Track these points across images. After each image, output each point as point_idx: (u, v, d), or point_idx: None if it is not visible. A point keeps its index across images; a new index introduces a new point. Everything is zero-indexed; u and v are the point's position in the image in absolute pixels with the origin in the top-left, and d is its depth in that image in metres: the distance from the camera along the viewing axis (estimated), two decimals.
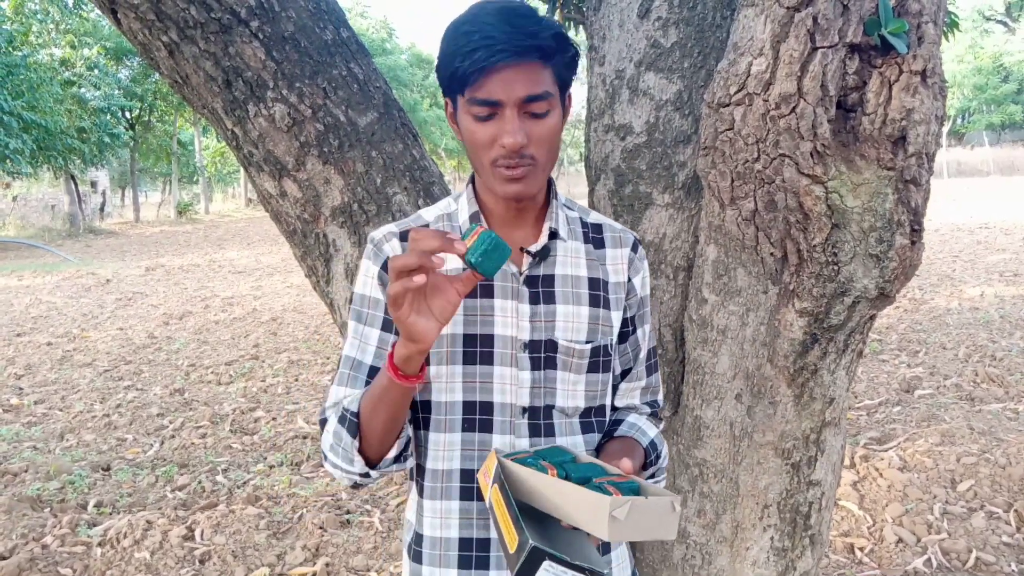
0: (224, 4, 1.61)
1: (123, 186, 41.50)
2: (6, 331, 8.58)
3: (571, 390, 1.19)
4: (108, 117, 24.87)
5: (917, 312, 7.42)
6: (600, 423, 1.24)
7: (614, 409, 1.31)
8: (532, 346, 1.16)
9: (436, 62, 1.12)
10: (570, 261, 1.21)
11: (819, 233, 1.35)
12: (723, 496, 1.70)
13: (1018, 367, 5.36)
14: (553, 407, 1.18)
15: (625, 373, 1.31)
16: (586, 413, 1.22)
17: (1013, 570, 2.94)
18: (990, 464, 3.64)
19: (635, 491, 0.95)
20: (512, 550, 0.90)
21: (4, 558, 3.19)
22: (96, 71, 25.49)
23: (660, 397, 1.37)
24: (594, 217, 1.29)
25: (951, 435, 4.02)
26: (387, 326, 1.18)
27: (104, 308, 10.02)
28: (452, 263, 1.18)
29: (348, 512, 3.68)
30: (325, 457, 1.16)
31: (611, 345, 1.23)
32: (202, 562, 3.21)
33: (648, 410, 1.34)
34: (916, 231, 1.34)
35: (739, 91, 1.34)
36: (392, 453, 1.13)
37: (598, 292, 1.22)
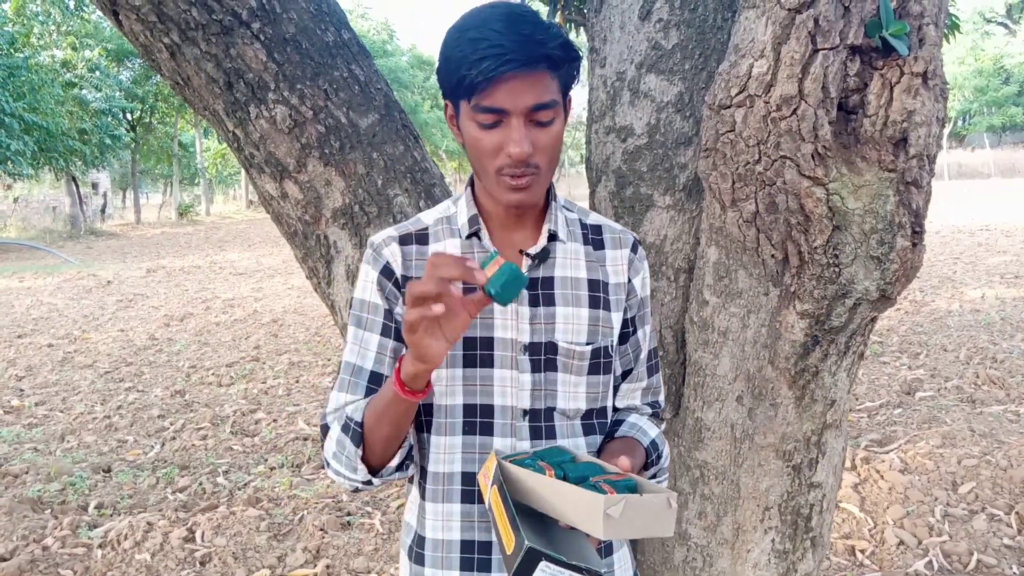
0: (225, 6, 1.61)
1: (124, 188, 41.54)
2: (7, 332, 8.58)
3: (572, 392, 1.19)
4: (109, 119, 24.90)
5: (918, 314, 7.42)
6: (602, 425, 1.24)
7: (615, 410, 1.31)
8: (532, 348, 1.16)
9: (437, 65, 1.11)
10: (570, 263, 1.21)
11: (820, 235, 1.35)
12: (724, 498, 1.70)
13: (1019, 369, 5.35)
14: (554, 409, 1.18)
15: (626, 374, 1.30)
16: (587, 415, 1.21)
17: (1014, 572, 2.93)
18: (991, 466, 3.64)
19: (632, 489, 0.95)
20: (509, 551, 0.90)
21: (5, 559, 3.19)
22: (97, 73, 25.52)
23: (661, 398, 1.37)
24: (593, 218, 1.29)
25: (952, 437, 4.01)
26: (386, 331, 1.18)
27: (105, 310, 10.02)
28: None
29: (349, 514, 3.68)
30: (328, 464, 1.16)
31: (612, 346, 1.23)
32: (203, 564, 3.21)
33: (649, 411, 1.34)
34: (917, 233, 1.34)
35: (740, 93, 1.35)
36: (395, 462, 1.14)
37: (598, 293, 1.21)
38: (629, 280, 1.26)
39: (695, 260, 1.70)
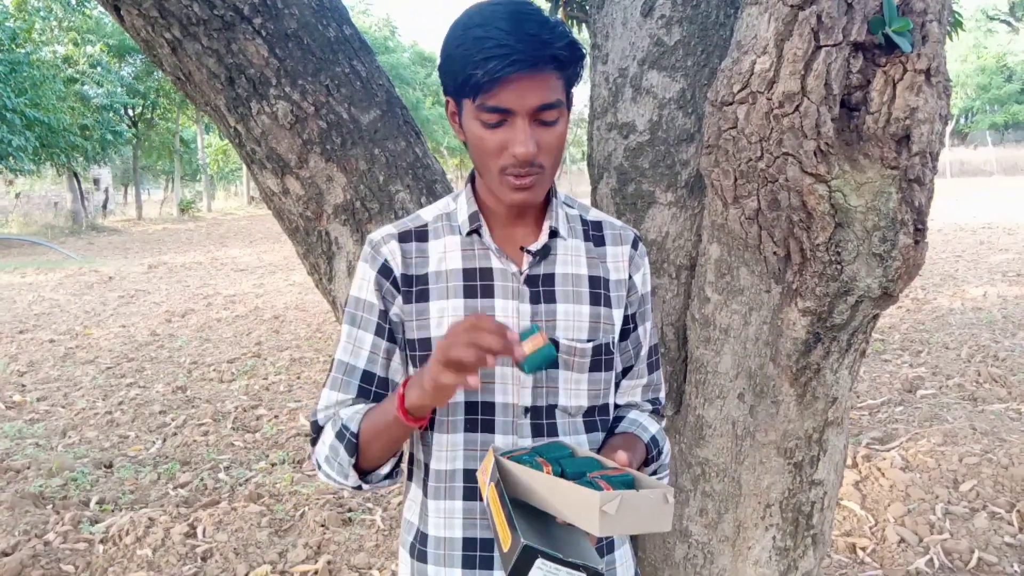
0: (227, 1, 1.61)
1: (126, 183, 41.53)
2: (9, 328, 8.59)
3: (573, 389, 1.19)
4: (111, 114, 24.87)
5: (920, 312, 7.41)
6: (604, 422, 1.24)
7: (616, 407, 1.31)
8: None
9: (440, 61, 1.10)
10: (570, 259, 1.21)
11: (822, 232, 1.34)
12: (725, 495, 1.70)
13: (1021, 367, 5.35)
14: (556, 406, 1.18)
15: (626, 371, 1.30)
16: (589, 412, 1.21)
17: (1015, 571, 2.93)
18: (992, 464, 3.64)
19: (629, 484, 0.95)
20: (506, 549, 0.90)
21: (7, 555, 3.20)
22: (99, 68, 25.51)
23: (662, 394, 1.37)
24: (594, 214, 1.28)
25: (953, 435, 4.01)
26: (380, 331, 1.18)
27: (107, 305, 10.03)
28: (452, 263, 1.17)
29: (350, 510, 3.68)
30: (319, 466, 1.18)
31: (613, 343, 1.23)
32: (204, 559, 3.21)
33: (650, 407, 1.34)
34: (920, 230, 1.34)
35: (743, 89, 1.34)
36: (385, 470, 1.17)
37: (599, 290, 1.21)
38: (630, 276, 1.25)
39: (697, 257, 1.70)
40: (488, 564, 1.16)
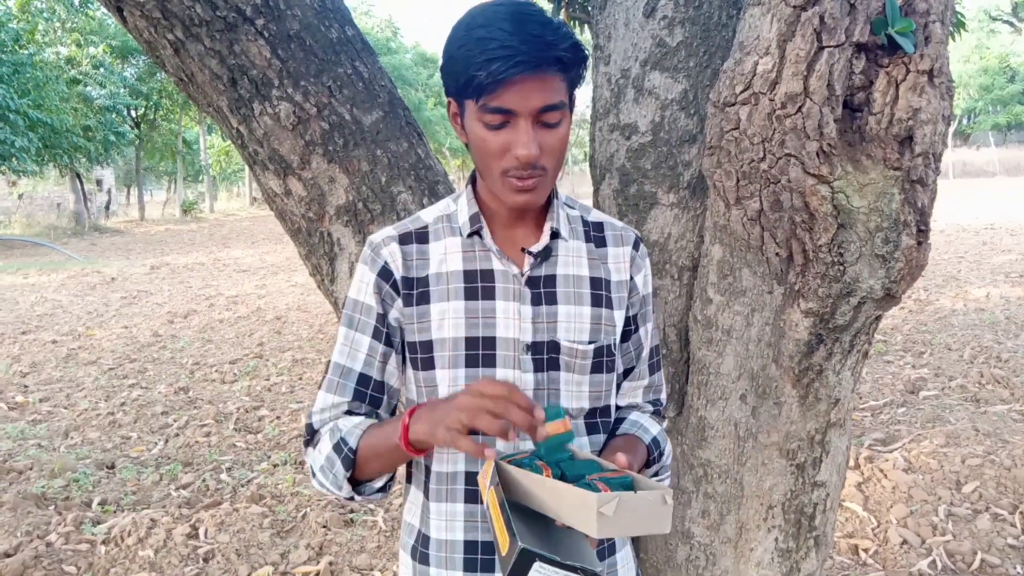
0: (230, 2, 1.61)
1: (128, 184, 41.59)
2: (12, 329, 8.60)
3: (575, 391, 1.18)
4: (113, 115, 24.92)
5: (922, 313, 7.40)
6: (605, 423, 1.24)
7: (617, 408, 1.31)
8: (535, 348, 1.15)
9: (441, 62, 1.10)
10: (572, 261, 1.20)
11: (825, 233, 1.34)
12: (727, 497, 1.70)
13: (1023, 368, 5.34)
14: None
15: (628, 372, 1.30)
16: (591, 414, 1.21)
17: (1018, 572, 2.93)
18: (995, 466, 3.63)
19: (628, 486, 0.95)
20: (504, 552, 0.90)
21: (9, 555, 3.20)
22: (102, 69, 25.55)
23: (663, 395, 1.36)
24: (595, 215, 1.28)
25: (956, 436, 4.00)
26: (378, 335, 1.17)
27: (109, 306, 10.04)
28: (453, 265, 1.17)
29: (352, 511, 3.68)
30: (313, 474, 1.17)
31: (614, 345, 1.22)
32: (206, 560, 3.21)
33: (651, 408, 1.34)
34: (922, 231, 1.33)
35: (745, 90, 1.34)
36: (378, 484, 1.17)
37: (600, 291, 1.21)
38: (631, 278, 1.25)
39: (699, 258, 1.69)
40: (490, 567, 1.16)
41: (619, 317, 1.23)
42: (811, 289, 1.41)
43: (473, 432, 0.98)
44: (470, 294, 1.15)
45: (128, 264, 14.95)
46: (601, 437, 1.23)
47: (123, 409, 5.52)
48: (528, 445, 1.16)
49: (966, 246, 11.92)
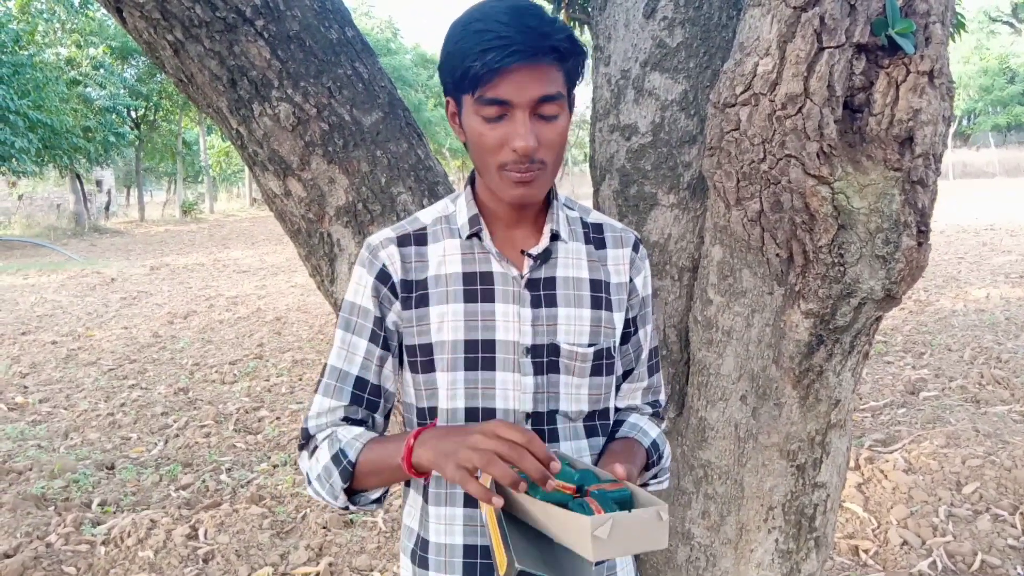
0: (229, 3, 1.61)
1: (128, 185, 41.58)
2: (11, 329, 8.60)
3: (574, 394, 1.18)
4: (113, 116, 24.91)
5: (922, 314, 7.40)
6: (604, 426, 1.23)
7: (616, 410, 1.30)
8: (535, 351, 1.15)
9: (440, 61, 1.10)
10: (571, 263, 1.19)
11: (825, 234, 1.34)
12: (728, 498, 1.70)
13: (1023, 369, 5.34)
14: (557, 412, 1.17)
15: (627, 374, 1.29)
16: (590, 417, 1.20)
17: (1019, 573, 2.93)
18: (996, 466, 3.63)
19: (626, 499, 0.94)
20: (502, 572, 0.90)
21: (8, 556, 3.20)
22: (102, 70, 25.55)
23: (662, 397, 1.36)
24: (594, 217, 1.27)
25: (956, 437, 4.00)
26: (375, 338, 1.16)
27: (109, 307, 10.04)
28: (452, 267, 1.16)
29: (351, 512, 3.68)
30: (308, 481, 1.15)
31: (614, 347, 1.22)
32: (206, 561, 3.21)
33: (650, 410, 1.33)
34: (923, 232, 1.33)
35: (745, 91, 1.34)
36: (375, 495, 1.16)
37: (600, 294, 1.20)
38: (631, 280, 1.24)
39: (699, 259, 1.69)
40: (490, 571, 1.15)
41: (619, 319, 1.22)
42: (811, 290, 1.41)
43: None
44: (469, 296, 1.14)
45: (128, 265, 14.95)
46: (600, 440, 1.22)
47: (123, 410, 5.51)
48: None
49: (966, 247, 11.92)
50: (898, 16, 1.21)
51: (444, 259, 1.16)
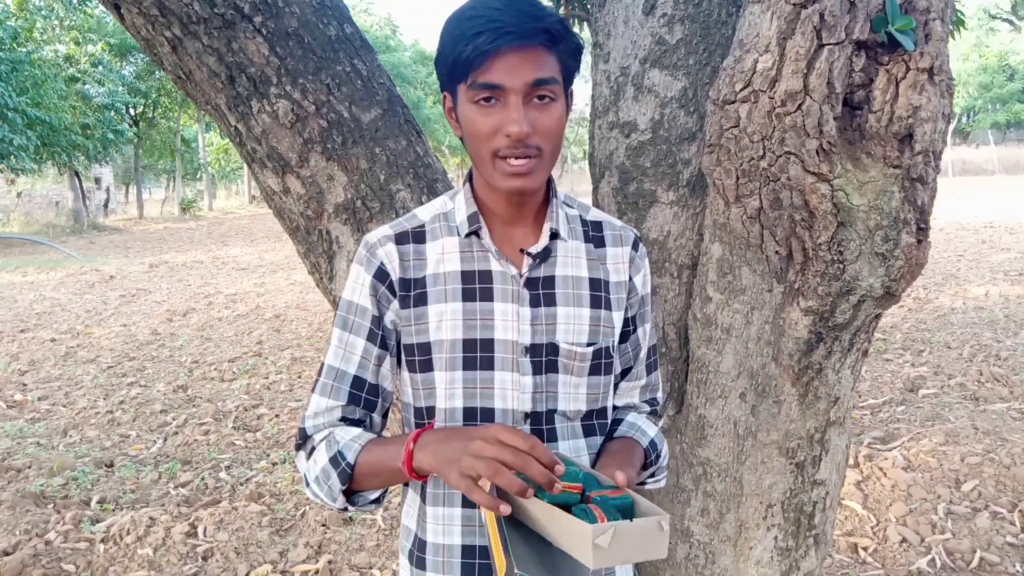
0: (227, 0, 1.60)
1: (127, 183, 41.56)
2: (10, 327, 8.60)
3: (573, 393, 1.17)
4: (112, 113, 24.87)
5: (921, 311, 7.40)
6: (602, 425, 1.23)
7: (613, 408, 1.29)
8: (533, 350, 1.14)
9: (436, 54, 1.09)
10: (571, 261, 1.18)
11: (824, 231, 1.34)
12: (727, 495, 1.70)
13: (1023, 367, 5.34)
14: (555, 411, 1.16)
15: (625, 372, 1.29)
16: (588, 416, 1.20)
17: (1017, 570, 2.93)
18: (995, 464, 3.63)
19: (627, 507, 0.94)
20: (501, 575, 0.90)
21: (8, 554, 3.20)
22: (100, 67, 25.52)
23: (660, 394, 1.35)
24: (593, 214, 1.26)
25: (955, 435, 4.01)
26: (372, 337, 1.15)
27: (108, 304, 10.04)
28: (450, 265, 1.15)
29: None
30: (307, 483, 1.15)
31: (613, 347, 1.21)
32: (205, 559, 3.21)
33: (647, 408, 1.33)
34: (922, 230, 1.33)
35: (745, 88, 1.34)
36: (373, 496, 1.15)
37: (599, 293, 1.19)
38: (630, 278, 1.23)
39: (698, 256, 1.69)
40: (488, 572, 1.15)
41: (618, 319, 1.21)
42: (811, 287, 1.41)
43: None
44: (468, 295, 1.13)
45: (127, 262, 14.94)
46: (598, 440, 1.21)
47: (122, 407, 5.51)
48: None
49: (965, 244, 11.93)
50: (898, 13, 1.21)
51: (443, 257, 1.15)
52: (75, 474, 4.17)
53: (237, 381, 6.14)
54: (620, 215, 1.76)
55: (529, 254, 1.15)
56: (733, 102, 1.36)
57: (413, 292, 1.14)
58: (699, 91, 1.65)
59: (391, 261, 1.15)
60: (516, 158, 1.04)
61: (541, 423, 1.15)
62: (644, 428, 1.26)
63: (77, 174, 25.64)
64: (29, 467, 4.29)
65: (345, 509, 1.14)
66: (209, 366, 6.63)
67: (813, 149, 1.28)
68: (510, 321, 1.13)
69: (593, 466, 1.18)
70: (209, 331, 8.12)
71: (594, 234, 1.23)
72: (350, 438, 1.11)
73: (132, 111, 29.78)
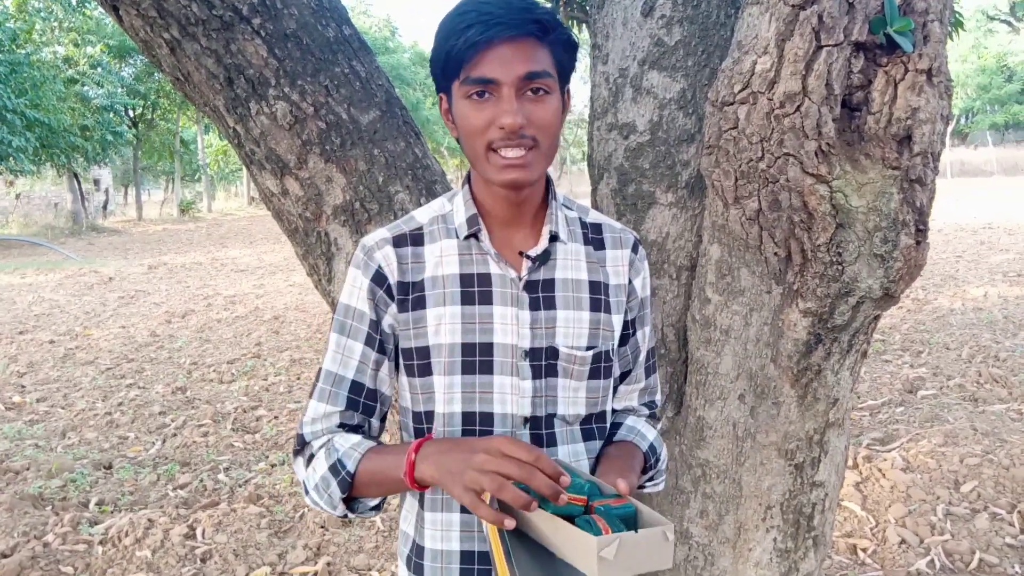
0: (226, 1, 1.60)
1: (126, 184, 41.55)
2: (9, 329, 8.59)
3: (572, 397, 1.16)
4: (111, 115, 24.88)
5: (920, 312, 7.41)
6: (601, 429, 1.22)
7: (612, 411, 1.29)
8: (533, 354, 1.13)
9: (431, 56, 1.09)
10: (570, 264, 1.17)
11: (823, 233, 1.34)
12: (726, 497, 1.69)
13: (1022, 368, 5.34)
14: (555, 415, 1.15)
15: (624, 375, 1.28)
16: (587, 420, 1.19)
17: (1016, 572, 2.93)
18: (993, 465, 3.63)
19: (631, 516, 0.93)
20: None
21: (6, 556, 3.19)
22: (99, 69, 25.52)
23: (658, 397, 1.35)
24: (593, 216, 1.25)
25: (954, 436, 4.00)
26: (371, 341, 1.14)
27: (106, 306, 10.03)
28: (449, 268, 1.15)
29: None
30: (306, 490, 1.13)
31: (612, 350, 1.20)
32: (203, 561, 3.21)
33: (646, 411, 1.32)
34: (921, 231, 1.33)
35: (743, 90, 1.34)
36: (373, 503, 1.15)
37: (599, 296, 1.18)
38: (630, 281, 1.22)
39: (697, 258, 1.69)
40: None
41: (617, 322, 1.21)
42: (809, 289, 1.41)
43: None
44: (467, 299, 1.12)
45: (126, 264, 14.93)
46: (597, 444, 1.21)
47: (120, 409, 5.51)
48: None
49: (964, 245, 11.93)
50: (896, 14, 1.21)
51: (441, 260, 1.14)
52: (73, 476, 4.16)
53: (236, 383, 6.14)
54: (619, 216, 1.76)
55: (528, 257, 1.14)
56: (732, 103, 1.36)
57: (411, 296, 1.13)
58: (698, 92, 1.65)
59: (389, 264, 1.13)
60: (510, 148, 1.03)
61: (540, 427, 1.14)
62: (643, 432, 1.25)
63: (76, 176, 25.64)
64: (27, 469, 4.29)
65: (345, 516, 1.13)
66: (208, 368, 6.63)
67: (812, 151, 1.28)
68: (509, 325, 1.12)
69: (593, 471, 1.17)
70: (208, 333, 8.11)
71: (593, 236, 1.22)
72: (349, 446, 1.10)
73: (131, 113, 29.78)
